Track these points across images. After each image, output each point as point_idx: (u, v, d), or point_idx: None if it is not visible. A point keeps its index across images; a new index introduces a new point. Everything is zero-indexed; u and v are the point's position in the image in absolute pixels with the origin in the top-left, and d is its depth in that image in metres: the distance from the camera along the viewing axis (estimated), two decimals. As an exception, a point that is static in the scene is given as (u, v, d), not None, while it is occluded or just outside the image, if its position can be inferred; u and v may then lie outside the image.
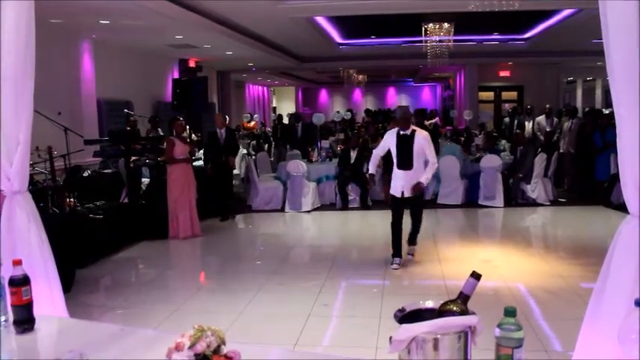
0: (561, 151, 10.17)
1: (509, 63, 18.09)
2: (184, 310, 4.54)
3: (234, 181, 8.97)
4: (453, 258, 5.92)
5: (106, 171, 8.49)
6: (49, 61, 8.10)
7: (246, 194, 9.71)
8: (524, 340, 1.27)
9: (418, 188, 5.39)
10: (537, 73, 18.09)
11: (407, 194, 5.44)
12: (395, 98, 28.67)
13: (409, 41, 14.41)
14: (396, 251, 5.61)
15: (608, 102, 16.75)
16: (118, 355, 1.59)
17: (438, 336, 1.23)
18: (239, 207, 9.24)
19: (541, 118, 11.46)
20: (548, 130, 10.96)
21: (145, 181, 8.35)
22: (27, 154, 2.63)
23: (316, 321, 4.24)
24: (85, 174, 7.72)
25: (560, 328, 3.93)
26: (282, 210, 8.93)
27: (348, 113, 16.30)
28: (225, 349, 1.32)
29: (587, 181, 9.39)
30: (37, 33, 2.55)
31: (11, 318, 1.76)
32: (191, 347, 1.26)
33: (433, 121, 15.97)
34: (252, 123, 17.58)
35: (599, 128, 9.05)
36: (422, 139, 5.39)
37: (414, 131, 5.37)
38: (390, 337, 1.25)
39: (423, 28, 11.82)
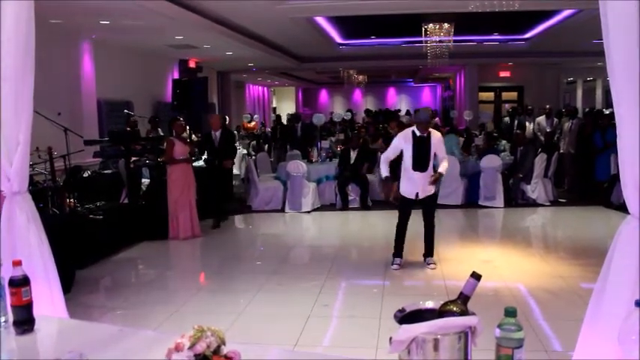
0: (561, 151, 10.17)
1: (510, 63, 18.09)
2: (184, 311, 4.54)
3: (234, 182, 8.97)
4: (453, 258, 5.92)
5: (106, 171, 8.49)
6: (49, 61, 8.10)
7: (246, 194, 9.71)
8: (525, 341, 1.27)
9: (436, 179, 5.36)
10: (537, 74, 18.09)
11: (422, 195, 5.42)
12: (395, 98, 28.67)
13: (409, 41, 14.41)
14: (398, 251, 5.60)
15: (608, 102, 16.76)
16: (117, 355, 1.59)
17: (438, 336, 1.23)
18: (239, 207, 9.26)
19: (541, 119, 11.46)
20: (548, 130, 10.97)
21: (145, 181, 8.35)
22: (27, 154, 2.63)
23: (316, 321, 4.24)
24: (85, 174, 7.73)
25: (560, 329, 3.94)
26: (282, 210, 8.93)
27: (348, 113, 16.29)
28: (225, 350, 1.32)
29: (587, 182, 9.39)
30: (37, 33, 2.55)
31: (11, 318, 1.76)
32: (191, 348, 1.26)
33: (433, 121, 15.95)
34: (253, 123, 17.58)
35: (599, 128, 9.05)
36: (438, 140, 5.42)
37: (429, 133, 5.39)
38: (390, 338, 1.25)
39: (423, 29, 11.82)
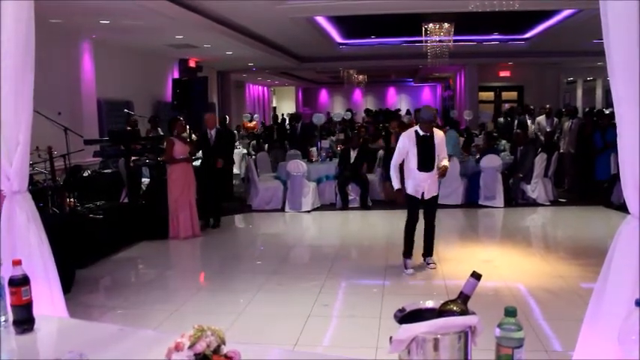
0: (561, 151, 10.17)
1: (510, 63, 18.10)
2: (184, 311, 4.54)
3: (234, 181, 8.94)
4: (453, 258, 5.92)
5: (106, 171, 8.49)
6: (49, 61, 8.10)
7: (246, 194, 9.71)
8: (525, 340, 1.27)
9: (444, 172, 5.24)
10: (538, 73, 18.09)
11: (427, 196, 5.37)
12: (395, 98, 28.67)
13: (409, 41, 14.41)
14: (408, 251, 5.50)
15: (608, 102, 16.76)
16: (117, 355, 1.58)
17: (439, 336, 1.23)
18: (239, 207, 9.25)
19: (541, 118, 11.46)
20: (548, 130, 10.96)
21: (145, 181, 8.35)
22: (27, 154, 2.63)
23: (316, 321, 4.24)
24: (85, 174, 7.72)
25: (560, 328, 3.93)
26: (282, 210, 8.93)
27: (348, 113, 16.28)
28: (225, 349, 1.32)
29: (587, 181, 9.39)
30: (37, 33, 2.55)
31: (11, 318, 1.76)
32: (191, 347, 1.26)
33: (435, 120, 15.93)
34: (253, 123, 17.59)
35: (600, 128, 9.05)
36: (440, 139, 5.38)
37: (432, 132, 5.34)
38: (390, 337, 1.25)
39: (423, 28, 11.82)
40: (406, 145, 5.35)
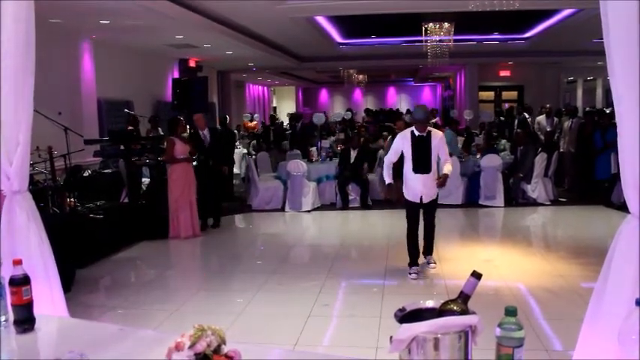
0: (561, 150, 10.17)
1: (510, 63, 18.09)
2: (184, 310, 4.54)
3: (234, 181, 8.93)
4: (454, 258, 5.92)
5: (106, 171, 8.48)
6: (49, 61, 8.09)
7: (246, 194, 9.71)
8: (525, 340, 1.27)
9: (443, 181, 5.08)
10: (538, 73, 18.08)
11: (426, 200, 5.23)
12: (395, 98, 28.67)
13: (409, 41, 14.40)
14: (414, 260, 5.37)
15: (608, 101, 16.75)
16: (118, 355, 1.58)
17: (439, 335, 1.23)
18: (239, 206, 9.25)
19: (541, 118, 11.46)
20: (548, 129, 10.96)
21: (146, 181, 8.34)
22: (27, 153, 2.63)
23: (316, 321, 4.24)
24: (85, 174, 7.72)
25: (560, 328, 3.94)
26: (283, 210, 8.93)
27: (348, 113, 16.29)
28: (225, 349, 1.32)
29: (587, 181, 9.38)
30: (37, 33, 2.55)
31: (11, 318, 1.76)
32: (191, 347, 1.26)
33: (433, 120, 15.93)
34: (254, 123, 17.59)
35: (600, 128, 9.04)
36: (438, 140, 5.18)
37: (429, 132, 5.17)
38: (391, 337, 1.25)
39: (423, 28, 11.82)
40: (400, 145, 5.23)
